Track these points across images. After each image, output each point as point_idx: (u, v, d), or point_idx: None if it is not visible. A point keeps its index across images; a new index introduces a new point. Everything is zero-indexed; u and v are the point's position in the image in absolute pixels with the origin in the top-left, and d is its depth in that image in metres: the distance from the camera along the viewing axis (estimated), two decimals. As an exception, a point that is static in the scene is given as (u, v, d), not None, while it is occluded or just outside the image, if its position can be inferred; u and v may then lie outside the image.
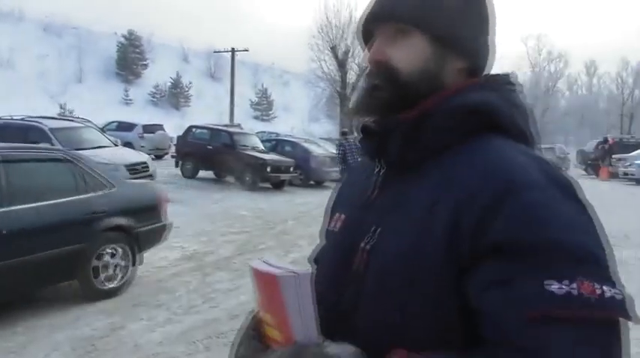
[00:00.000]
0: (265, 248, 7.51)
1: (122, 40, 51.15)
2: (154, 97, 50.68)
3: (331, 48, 32.43)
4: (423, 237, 0.76)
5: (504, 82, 0.87)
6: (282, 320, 0.78)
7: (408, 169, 0.83)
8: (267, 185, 14.92)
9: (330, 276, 0.88)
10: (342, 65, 32.40)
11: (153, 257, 6.70)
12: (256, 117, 55.55)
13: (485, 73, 0.89)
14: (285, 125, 46.88)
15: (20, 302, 4.52)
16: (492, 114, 0.81)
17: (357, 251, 0.83)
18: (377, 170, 0.88)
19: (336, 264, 0.88)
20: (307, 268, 0.86)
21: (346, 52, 32.51)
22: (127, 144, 16.70)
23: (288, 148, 17.07)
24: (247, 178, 14.62)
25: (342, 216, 0.92)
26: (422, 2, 0.83)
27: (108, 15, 68.84)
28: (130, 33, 51.46)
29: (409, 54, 0.83)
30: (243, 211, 10.94)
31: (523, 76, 55.75)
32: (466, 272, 0.73)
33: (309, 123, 55.88)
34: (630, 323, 0.72)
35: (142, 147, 19.26)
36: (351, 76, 32.89)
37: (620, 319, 0.70)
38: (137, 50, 52.15)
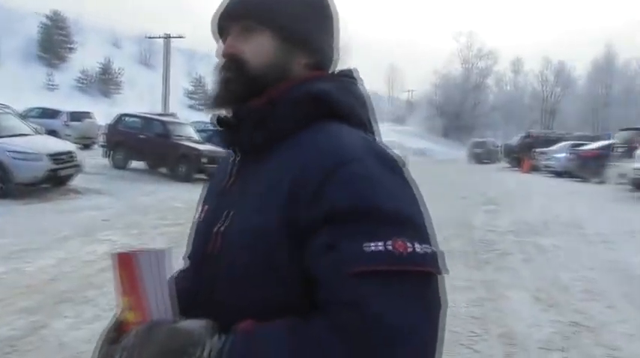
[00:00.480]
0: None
1: (46, 20, 48.12)
2: (81, 83, 48.06)
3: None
4: (266, 213, 0.83)
5: (346, 75, 0.97)
6: (139, 300, 0.81)
7: (259, 154, 0.90)
8: (203, 176, 14.64)
9: (193, 265, 0.96)
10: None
11: (79, 251, 6.44)
12: (191, 107, 54.11)
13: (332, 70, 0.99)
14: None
15: None
16: (332, 102, 0.90)
17: (212, 236, 0.89)
18: (232, 158, 0.95)
19: (196, 251, 0.95)
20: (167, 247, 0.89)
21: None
22: (52, 133, 15.80)
23: (223, 139, 16.79)
24: (181, 169, 14.29)
25: (206, 207, 0.99)
26: (270, 3, 0.92)
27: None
28: (55, 13, 48.51)
29: (257, 49, 0.91)
30: (177, 203, 10.68)
31: (455, 71, 57.91)
32: (305, 244, 0.80)
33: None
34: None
35: (68, 135, 18.35)
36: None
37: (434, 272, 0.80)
38: (62, 32, 49.18)
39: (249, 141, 0.90)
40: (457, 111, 52.68)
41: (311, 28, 0.94)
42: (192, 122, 20.80)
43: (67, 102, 34.73)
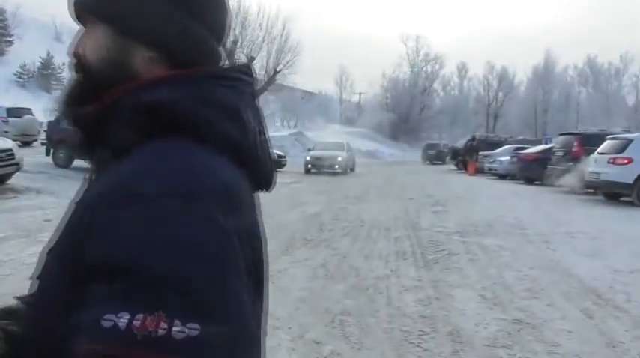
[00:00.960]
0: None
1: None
2: (20, 78, 45.84)
3: (219, 37, 31.82)
4: (62, 242, 0.72)
5: (208, 75, 0.77)
6: None
7: (99, 171, 0.78)
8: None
9: None
10: (230, 55, 31.61)
11: (21, 253, 6.15)
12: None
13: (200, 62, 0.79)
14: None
15: None
16: (172, 115, 0.71)
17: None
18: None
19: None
20: None
21: (235, 42, 32.12)
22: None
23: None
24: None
25: None
26: None
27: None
28: (-9, 4, 46.12)
29: (94, 44, 0.78)
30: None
31: (403, 75, 59.13)
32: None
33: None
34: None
35: (6, 132, 17.48)
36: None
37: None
38: (0, 25, 46.86)
39: (83, 153, 0.80)
40: (405, 113, 53.83)
41: (148, 16, 0.77)
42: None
43: (5, 97, 33.06)
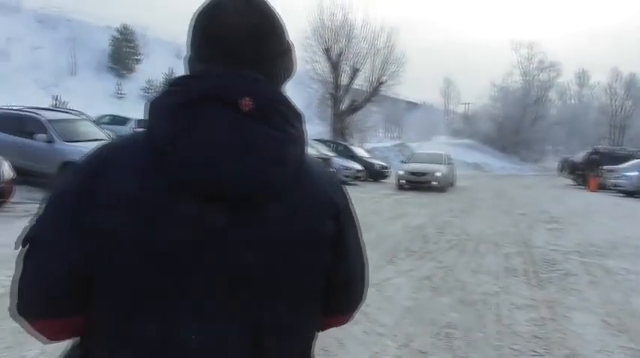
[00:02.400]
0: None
1: (116, 34, 50.84)
2: (146, 92, 50.35)
3: (325, 50, 32.59)
4: None
5: (169, 83, 0.87)
6: None
7: None
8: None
9: None
10: (335, 67, 32.58)
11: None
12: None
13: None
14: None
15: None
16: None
17: None
18: None
19: None
20: None
21: (339, 55, 32.67)
22: (120, 138, 16.59)
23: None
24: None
25: None
26: None
27: (102, 8, 68.52)
28: (125, 27, 51.14)
29: None
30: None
31: (515, 84, 56.24)
32: None
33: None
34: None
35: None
36: (344, 79, 33.10)
37: None
38: (131, 45, 51.77)
39: None
40: (516, 124, 51.03)
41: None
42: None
43: (133, 109, 36.35)
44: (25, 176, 9.67)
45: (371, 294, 5.15)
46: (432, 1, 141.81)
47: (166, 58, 53.22)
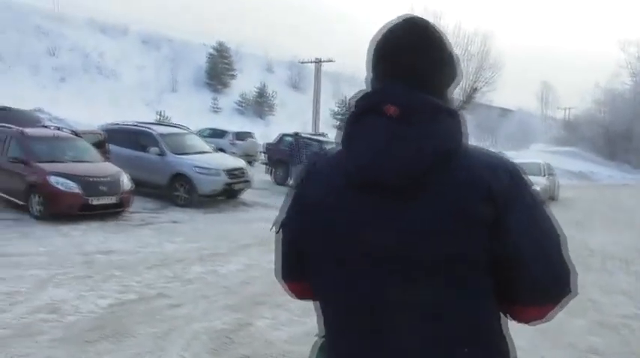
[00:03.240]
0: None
1: (212, 51, 53.62)
2: (240, 106, 52.56)
3: (416, 57, 32.11)
4: None
5: (354, 100, 1.08)
6: None
7: None
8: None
9: None
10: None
11: (260, 259, 6.94)
12: (337, 127, 55.72)
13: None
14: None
15: (156, 297, 4.83)
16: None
17: None
18: None
19: None
20: None
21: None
22: (219, 150, 17.39)
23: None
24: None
25: None
26: None
27: (201, 27, 72.65)
28: (220, 44, 53.84)
29: None
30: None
31: (623, 86, 52.06)
32: None
33: (390, 133, 55.26)
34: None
35: (233, 153, 20.01)
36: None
37: None
38: (226, 61, 54.38)
39: None
40: (627, 129, 46.96)
41: None
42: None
43: (228, 123, 38.08)
44: (139, 187, 10.32)
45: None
46: (527, 2, 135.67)
47: (258, 72, 55.36)
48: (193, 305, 4.68)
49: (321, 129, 37.10)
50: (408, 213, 0.98)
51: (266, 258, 7.03)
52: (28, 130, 10.00)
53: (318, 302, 1.14)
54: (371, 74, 1.12)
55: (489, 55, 31.95)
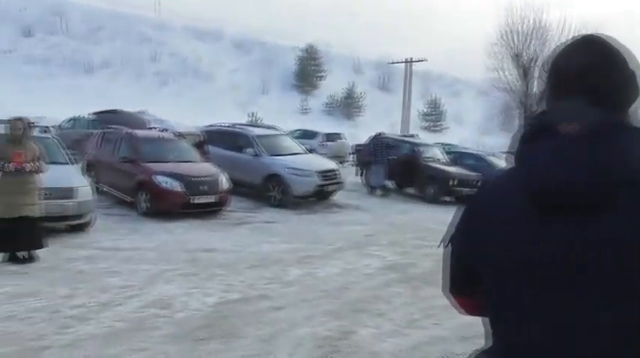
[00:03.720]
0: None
1: (301, 53, 54.61)
2: (328, 107, 53.10)
3: (514, 55, 30.60)
4: None
5: (529, 119, 1.14)
6: None
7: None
8: (448, 198, 14.48)
9: None
10: (525, 74, 30.36)
11: (357, 263, 6.86)
12: (425, 128, 54.89)
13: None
14: (455, 137, 45.60)
15: (258, 298, 4.89)
16: None
17: None
18: None
19: None
20: None
21: (531, 60, 30.39)
22: (310, 151, 17.55)
23: (470, 161, 16.38)
24: (430, 191, 14.36)
25: None
26: None
27: (292, 29, 74.40)
28: (310, 46, 54.72)
29: None
30: (432, 224, 10.71)
31: None
32: None
33: (481, 135, 53.52)
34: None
35: (323, 154, 20.15)
36: (536, 86, 30.63)
37: None
38: (315, 63, 55.19)
39: None
40: None
41: None
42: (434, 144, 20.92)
43: (316, 124, 38.57)
44: (235, 186, 10.62)
45: None
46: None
47: (346, 73, 55.67)
48: (295, 309, 4.68)
49: (410, 130, 36.51)
50: (593, 228, 0.95)
51: (362, 262, 6.96)
52: (137, 132, 10.66)
53: (487, 318, 1.13)
54: (547, 91, 1.12)
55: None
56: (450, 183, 14.08)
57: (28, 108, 22.36)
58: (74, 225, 7.41)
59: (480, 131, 55.73)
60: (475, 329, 4.21)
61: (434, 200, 14.01)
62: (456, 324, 4.60)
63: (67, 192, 7.15)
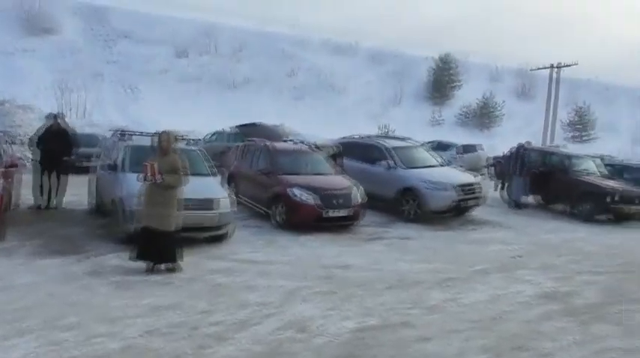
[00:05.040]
0: (641, 298, 6.02)
1: (435, 63, 53.17)
2: (463, 118, 50.98)
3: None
4: None
5: None
6: None
7: None
8: (603, 218, 12.76)
9: None
10: None
11: (507, 289, 6.11)
12: (570, 138, 50.13)
13: None
14: (605, 147, 41.07)
15: (400, 325, 4.45)
16: None
17: None
18: None
19: None
20: None
21: None
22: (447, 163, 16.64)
23: (633, 176, 14.34)
24: (584, 207, 12.78)
25: None
26: None
27: (427, 40, 72.81)
28: (446, 55, 53.05)
29: None
30: (588, 246, 9.41)
31: None
32: None
33: (635, 145, 47.57)
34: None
35: (460, 166, 19.09)
36: None
37: None
38: (450, 72, 53.33)
39: None
40: None
41: None
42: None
43: (448, 135, 37.12)
44: (369, 200, 10.27)
45: None
46: None
47: (483, 82, 53.14)
48: (445, 342, 4.17)
49: (555, 140, 33.51)
50: None
51: (512, 288, 6.19)
52: (275, 144, 10.85)
53: None
54: None
55: None
56: (608, 199, 12.39)
57: (180, 122, 24.37)
58: (213, 236, 7.59)
59: (635, 141, 49.70)
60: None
61: (587, 218, 12.43)
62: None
63: (208, 204, 7.35)
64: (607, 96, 60.92)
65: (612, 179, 13.53)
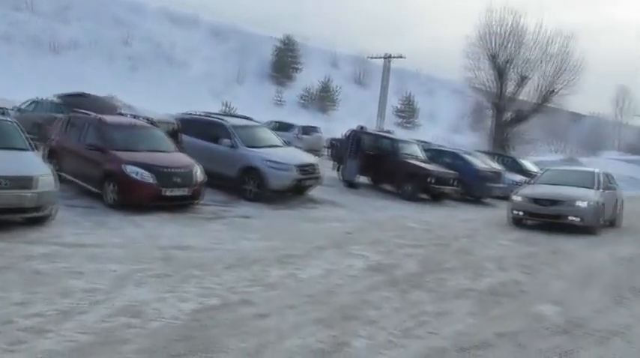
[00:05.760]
0: (451, 267, 6.89)
1: (279, 44, 53.85)
2: (303, 100, 52.57)
3: (491, 56, 30.71)
4: None
5: None
6: None
7: None
8: (425, 196, 14.29)
9: None
10: (500, 75, 30.53)
11: (339, 263, 6.50)
12: (399, 124, 55.01)
13: None
14: (427, 134, 45.85)
15: (239, 303, 4.47)
16: None
17: None
18: None
19: None
20: None
21: (507, 61, 30.54)
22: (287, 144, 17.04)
23: (447, 159, 16.23)
24: (407, 188, 14.12)
25: None
26: None
27: (270, 20, 73.13)
28: (287, 37, 53.99)
29: None
30: (410, 222, 10.46)
31: None
32: None
33: (452, 133, 53.92)
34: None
35: (299, 147, 19.67)
36: (510, 87, 30.86)
37: None
38: (292, 54, 54.51)
39: None
40: None
41: None
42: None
43: (291, 116, 38.05)
44: (209, 178, 10.09)
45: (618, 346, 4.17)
46: (613, 4, 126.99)
47: (323, 66, 55.15)
48: (281, 317, 4.29)
49: (385, 126, 36.37)
50: None
51: (344, 262, 6.61)
52: (107, 118, 10.01)
53: None
54: None
55: (571, 56, 29.95)
56: (428, 180, 13.87)
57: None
58: (32, 217, 6.79)
59: (451, 129, 56.15)
60: (474, 338, 3.91)
61: (411, 197, 13.79)
62: (452, 333, 4.31)
63: (26, 182, 6.53)
64: (430, 88, 67.80)
65: (431, 163, 15.12)
